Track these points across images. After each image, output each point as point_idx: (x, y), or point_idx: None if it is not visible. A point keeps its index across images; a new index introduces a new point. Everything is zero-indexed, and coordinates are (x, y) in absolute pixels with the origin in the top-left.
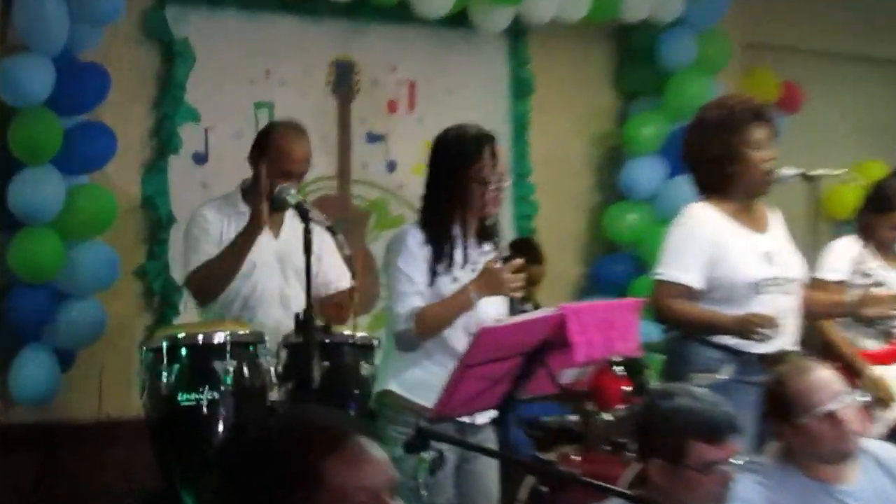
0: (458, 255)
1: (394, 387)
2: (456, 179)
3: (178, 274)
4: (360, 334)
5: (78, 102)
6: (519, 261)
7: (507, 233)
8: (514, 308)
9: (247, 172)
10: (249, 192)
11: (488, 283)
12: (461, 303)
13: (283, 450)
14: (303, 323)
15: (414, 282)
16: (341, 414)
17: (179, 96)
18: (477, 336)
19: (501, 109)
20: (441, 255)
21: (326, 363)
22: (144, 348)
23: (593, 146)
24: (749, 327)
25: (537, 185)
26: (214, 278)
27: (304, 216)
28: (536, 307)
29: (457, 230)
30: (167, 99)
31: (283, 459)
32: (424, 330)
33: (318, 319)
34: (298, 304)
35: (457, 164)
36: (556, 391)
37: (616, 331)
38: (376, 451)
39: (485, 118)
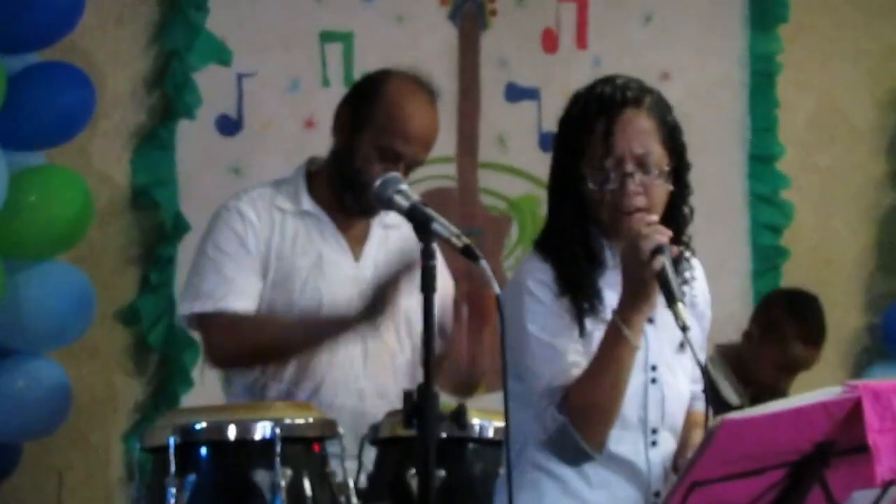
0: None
1: None
2: (568, 177)
3: None
4: (497, 423)
5: (30, 31)
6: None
7: (740, 253)
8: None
9: (310, 150)
10: (328, 179)
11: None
12: (614, 351)
13: None
14: (418, 406)
15: (558, 349)
16: None
17: (198, 21)
18: (712, 433)
19: (733, 48)
20: (580, 293)
21: (443, 472)
22: (137, 446)
23: (888, 111)
24: None
25: (793, 176)
26: (249, 348)
27: (423, 228)
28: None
29: (605, 252)
30: (176, 24)
31: None
32: (581, 420)
33: (443, 397)
34: (398, 372)
35: (565, 153)
36: None
37: None
38: None
39: (702, 61)
